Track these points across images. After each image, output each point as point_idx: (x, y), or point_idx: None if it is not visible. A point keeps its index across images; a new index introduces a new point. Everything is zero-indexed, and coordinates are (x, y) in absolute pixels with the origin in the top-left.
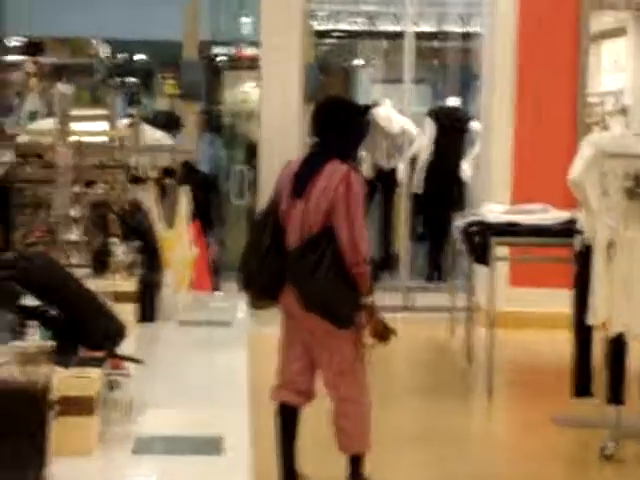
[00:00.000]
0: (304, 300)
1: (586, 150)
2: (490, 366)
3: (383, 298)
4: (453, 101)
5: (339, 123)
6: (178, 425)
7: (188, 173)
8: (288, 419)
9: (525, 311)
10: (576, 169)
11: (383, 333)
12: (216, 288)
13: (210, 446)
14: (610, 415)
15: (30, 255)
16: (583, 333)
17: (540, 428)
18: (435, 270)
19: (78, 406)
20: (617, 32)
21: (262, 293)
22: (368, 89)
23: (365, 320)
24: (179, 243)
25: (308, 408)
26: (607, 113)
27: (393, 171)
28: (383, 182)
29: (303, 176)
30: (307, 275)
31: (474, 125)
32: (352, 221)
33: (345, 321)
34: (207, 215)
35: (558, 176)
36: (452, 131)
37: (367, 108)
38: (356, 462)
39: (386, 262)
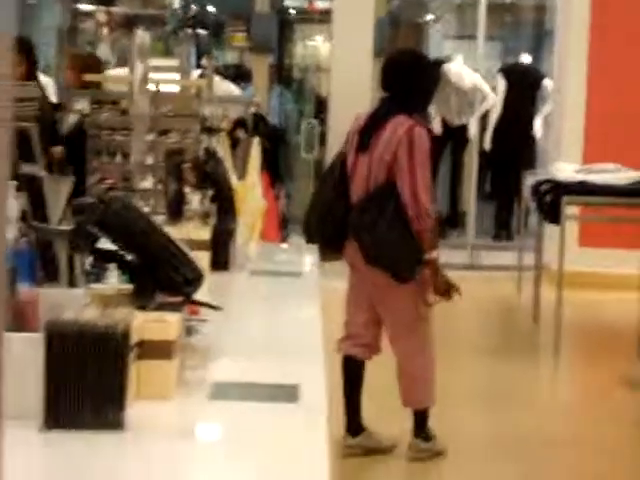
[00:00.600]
0: (365, 253)
1: None
2: (557, 326)
3: (450, 255)
4: (526, 58)
5: (408, 77)
6: (254, 373)
7: (258, 125)
8: (353, 372)
9: (594, 272)
10: None
11: (446, 290)
12: (284, 240)
13: (286, 394)
14: None
15: (108, 200)
16: None
17: (607, 390)
18: (503, 229)
19: (157, 350)
20: None
21: (325, 245)
22: (440, 45)
23: (428, 276)
24: (251, 194)
25: (376, 361)
26: None
27: (463, 128)
28: (453, 139)
29: (369, 129)
30: (369, 228)
31: (547, 83)
32: (414, 175)
33: (406, 275)
34: (276, 167)
35: (631, 136)
36: (524, 89)
37: (438, 63)
38: (420, 417)
39: (454, 219)
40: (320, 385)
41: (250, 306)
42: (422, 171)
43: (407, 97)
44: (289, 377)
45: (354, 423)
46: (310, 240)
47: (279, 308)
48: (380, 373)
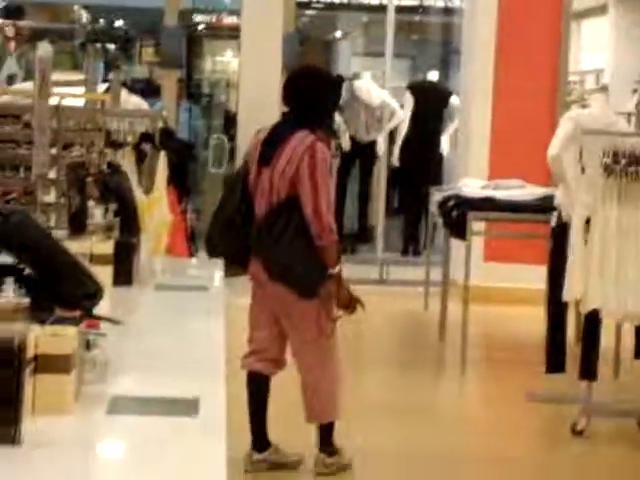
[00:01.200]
0: (268, 268)
1: (565, 126)
2: (464, 341)
3: (359, 270)
4: (433, 76)
5: (309, 92)
6: (154, 387)
7: (166, 140)
8: (258, 387)
9: (500, 286)
10: (554, 145)
11: (350, 304)
12: (192, 255)
13: (185, 408)
14: (582, 391)
15: (7, 212)
16: (557, 309)
17: (512, 403)
18: (410, 244)
19: (54, 364)
20: (598, 11)
21: (227, 260)
22: (348, 61)
23: (332, 291)
24: (156, 208)
25: (281, 376)
26: (587, 91)
27: (372, 144)
28: (361, 155)
29: (271, 144)
30: (271, 243)
31: (453, 100)
32: (316, 191)
33: (308, 291)
34: (184, 182)
35: (536, 152)
36: (431, 106)
37: (340, 79)
38: (324, 431)
39: (363, 235)
40: (220, 399)
41: (152, 320)
42: (324, 188)
43: (307, 112)
44: (189, 391)
45: (260, 438)
46: (212, 254)
47: (182, 323)
48: (286, 388)
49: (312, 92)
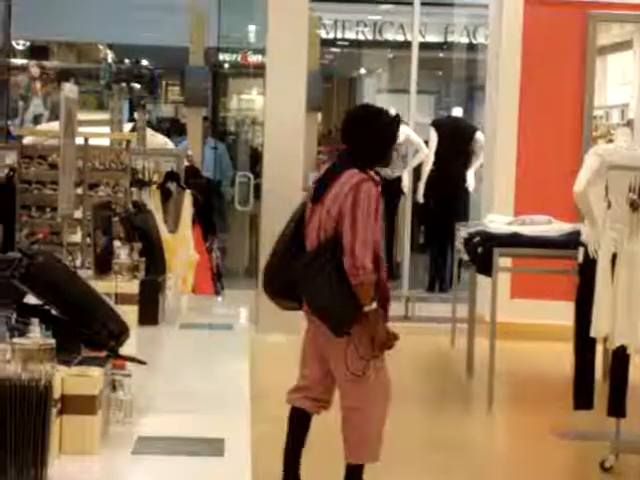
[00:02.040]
0: (307, 304)
1: (591, 162)
2: (491, 377)
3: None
4: (457, 112)
5: (364, 131)
6: (179, 427)
7: (191, 178)
8: (299, 424)
9: (527, 323)
10: (581, 181)
11: (387, 343)
12: (218, 293)
13: (211, 448)
14: (610, 428)
15: (33, 253)
16: (585, 345)
17: (540, 440)
18: (436, 280)
19: (80, 405)
20: (624, 45)
21: (278, 294)
22: (373, 98)
23: (368, 329)
24: (182, 247)
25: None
26: (612, 126)
27: (397, 180)
28: (387, 192)
29: (324, 182)
30: (311, 280)
31: (479, 136)
32: (354, 230)
33: (338, 329)
34: (210, 220)
35: (562, 188)
36: (456, 142)
37: (397, 117)
38: (353, 471)
39: (389, 271)
40: (245, 439)
41: (177, 360)
42: (364, 225)
43: (362, 151)
44: (214, 431)
45: (291, 476)
46: (265, 288)
47: (207, 362)
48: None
49: (367, 131)
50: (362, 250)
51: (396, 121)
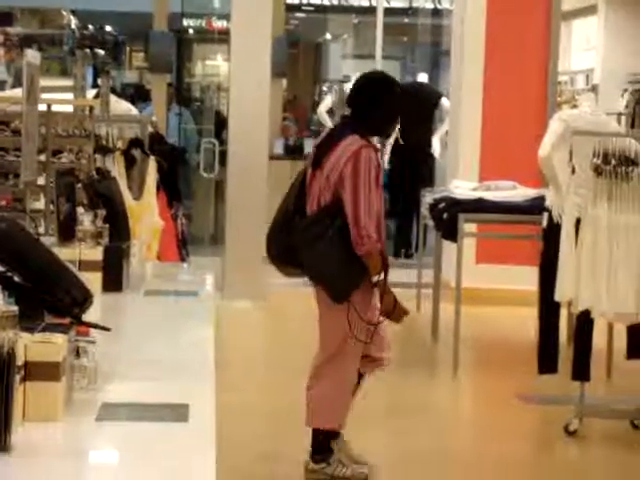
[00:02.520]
0: (305, 268)
1: (555, 127)
2: (456, 342)
3: None
4: (422, 77)
5: (369, 97)
6: (143, 393)
7: (156, 145)
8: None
9: (492, 288)
10: (545, 146)
11: (394, 312)
12: (183, 260)
13: (175, 414)
14: (575, 392)
15: None
16: (549, 310)
17: (505, 405)
18: (402, 246)
19: (43, 372)
20: (588, 10)
21: (278, 260)
22: (338, 64)
23: (377, 297)
24: (146, 213)
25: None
26: (577, 92)
27: None
28: None
29: (323, 147)
30: (310, 245)
31: (444, 102)
32: (356, 198)
33: (339, 295)
34: (174, 187)
35: (527, 153)
36: (421, 108)
37: (407, 90)
38: (318, 437)
39: None
40: (210, 405)
41: (142, 327)
42: (365, 193)
43: (364, 118)
44: (179, 398)
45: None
46: (267, 254)
47: (172, 328)
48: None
49: (371, 98)
50: (366, 219)
51: (404, 91)
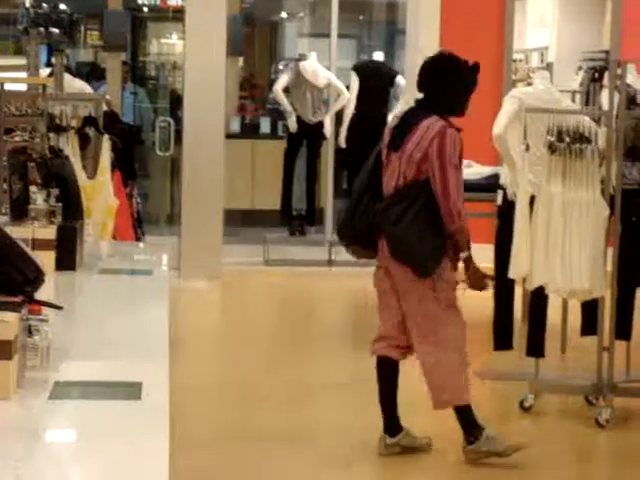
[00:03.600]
0: (389, 245)
1: (510, 105)
2: None
3: (308, 252)
4: (378, 56)
5: (441, 79)
6: (96, 372)
7: (110, 123)
8: (387, 372)
9: None
10: (499, 124)
11: (481, 284)
12: (139, 239)
13: (128, 392)
14: (530, 368)
15: None
16: (504, 287)
17: None
18: None
19: None
20: None
21: (355, 242)
22: (294, 43)
23: (464, 273)
24: (101, 192)
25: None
26: (532, 69)
27: (319, 125)
28: (309, 136)
29: (401, 130)
30: (393, 221)
31: (399, 80)
32: (444, 176)
33: (425, 270)
34: (130, 166)
35: (481, 131)
36: (377, 86)
37: (476, 66)
38: (462, 415)
39: (312, 216)
40: (163, 383)
41: (95, 305)
42: (453, 172)
43: (440, 99)
44: (132, 376)
45: (392, 423)
46: (339, 235)
47: (126, 307)
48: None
49: (446, 79)
50: (455, 195)
51: (476, 69)
